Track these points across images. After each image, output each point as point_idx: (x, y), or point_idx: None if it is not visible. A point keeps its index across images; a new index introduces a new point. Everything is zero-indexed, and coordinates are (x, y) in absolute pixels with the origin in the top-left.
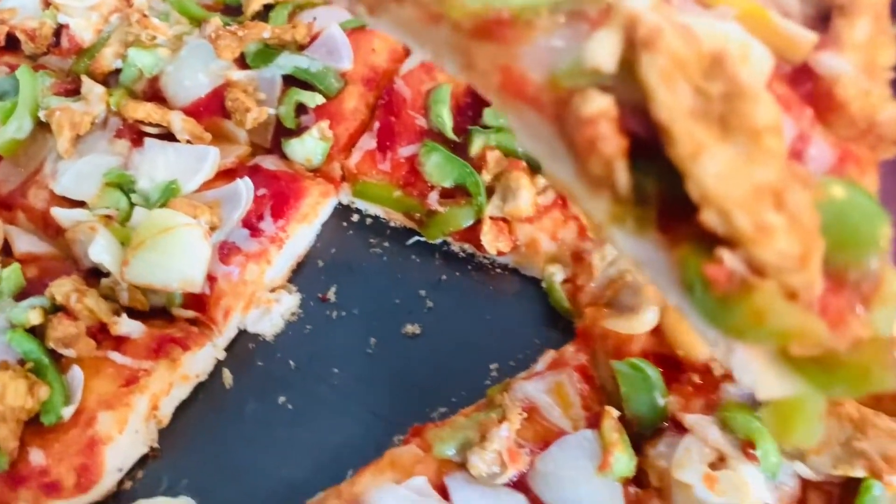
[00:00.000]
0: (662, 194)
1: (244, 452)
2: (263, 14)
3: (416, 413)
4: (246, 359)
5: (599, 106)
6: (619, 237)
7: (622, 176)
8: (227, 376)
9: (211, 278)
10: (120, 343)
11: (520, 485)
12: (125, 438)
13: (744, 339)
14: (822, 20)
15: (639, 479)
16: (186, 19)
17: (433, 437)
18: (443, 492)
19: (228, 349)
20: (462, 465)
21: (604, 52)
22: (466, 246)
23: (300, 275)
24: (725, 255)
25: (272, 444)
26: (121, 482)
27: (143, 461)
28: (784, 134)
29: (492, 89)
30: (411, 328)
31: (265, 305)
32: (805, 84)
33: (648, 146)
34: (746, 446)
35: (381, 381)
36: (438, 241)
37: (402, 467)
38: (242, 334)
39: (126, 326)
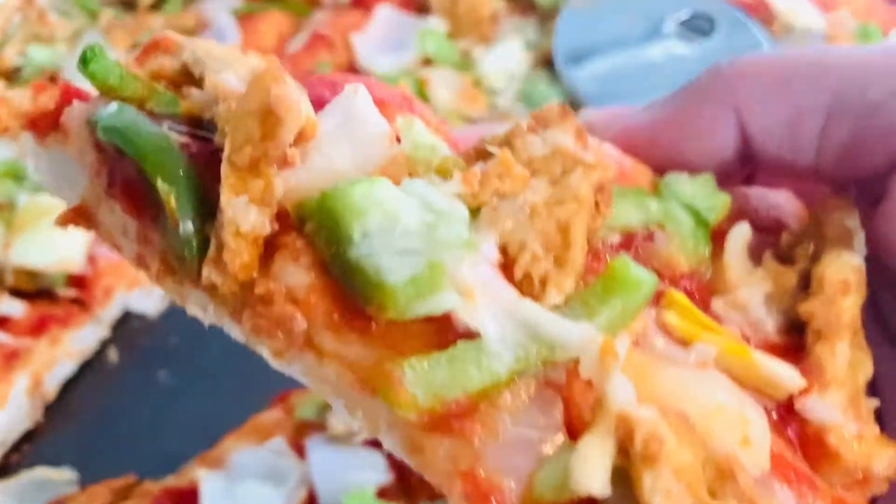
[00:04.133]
0: None
1: (125, 425)
2: (157, 5)
3: (290, 382)
4: (131, 337)
5: None
6: None
7: None
8: (113, 353)
9: (92, 259)
10: (2, 323)
11: (377, 443)
12: (6, 413)
13: None
14: (795, 330)
15: None
16: (84, 13)
17: (296, 400)
18: (302, 453)
19: (115, 328)
20: (322, 427)
21: (595, 472)
22: None
23: None
24: None
25: (152, 416)
26: (6, 456)
27: (29, 436)
28: None
29: (455, 495)
30: None
31: (149, 285)
32: (790, 424)
33: None
34: None
35: (256, 356)
36: None
37: (263, 430)
38: (129, 314)
39: (8, 307)
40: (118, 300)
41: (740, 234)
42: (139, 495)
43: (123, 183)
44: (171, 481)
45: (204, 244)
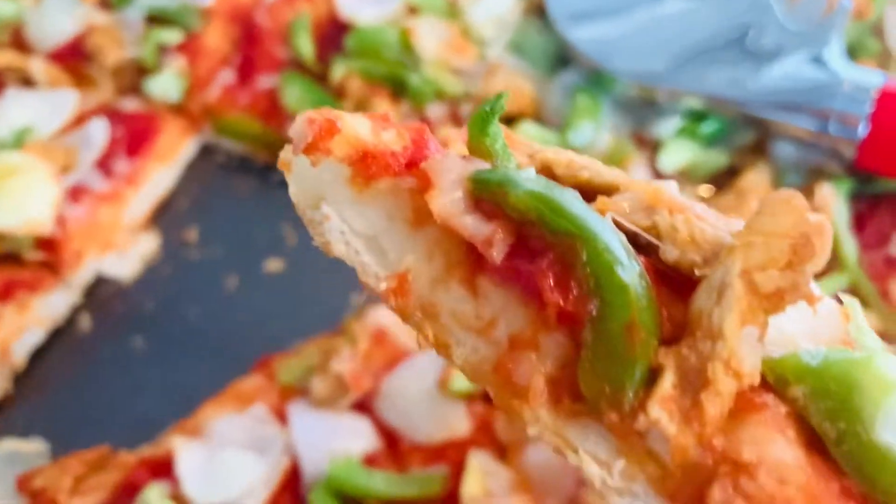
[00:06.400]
0: None
1: (98, 394)
2: None
3: (272, 348)
4: (104, 303)
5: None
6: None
7: None
8: (85, 320)
9: (62, 221)
10: None
11: (365, 408)
12: None
13: None
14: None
15: (487, 397)
16: None
17: (278, 366)
18: (285, 419)
19: (87, 294)
20: (306, 392)
21: None
22: None
23: (161, 217)
24: None
25: (126, 385)
26: None
27: None
28: None
29: None
30: (274, 265)
31: (123, 248)
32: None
33: None
34: None
35: (238, 320)
36: None
37: (244, 397)
38: (102, 279)
39: None
40: (90, 264)
41: None
42: (114, 466)
43: (531, 265)
44: (148, 451)
45: (647, 379)
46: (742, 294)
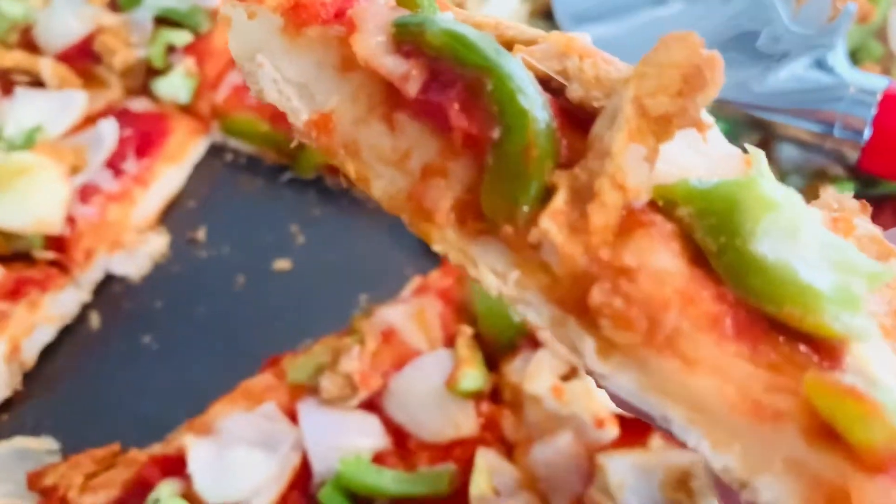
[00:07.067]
0: None
1: (108, 392)
2: None
3: (280, 347)
4: (113, 301)
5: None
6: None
7: None
8: (94, 318)
9: (71, 220)
10: None
11: (373, 406)
12: None
13: None
14: None
15: (494, 396)
16: None
17: (288, 365)
18: (295, 418)
19: (97, 292)
20: (315, 391)
21: None
22: (341, 180)
23: (170, 216)
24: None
25: (135, 382)
26: None
27: (7, 404)
28: None
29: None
30: (282, 264)
31: (132, 247)
32: None
33: None
34: None
35: (246, 318)
36: (313, 176)
37: (254, 396)
38: (112, 278)
39: None
40: (99, 262)
41: None
42: (124, 464)
43: (440, 95)
44: (158, 449)
45: (542, 196)
46: (632, 116)
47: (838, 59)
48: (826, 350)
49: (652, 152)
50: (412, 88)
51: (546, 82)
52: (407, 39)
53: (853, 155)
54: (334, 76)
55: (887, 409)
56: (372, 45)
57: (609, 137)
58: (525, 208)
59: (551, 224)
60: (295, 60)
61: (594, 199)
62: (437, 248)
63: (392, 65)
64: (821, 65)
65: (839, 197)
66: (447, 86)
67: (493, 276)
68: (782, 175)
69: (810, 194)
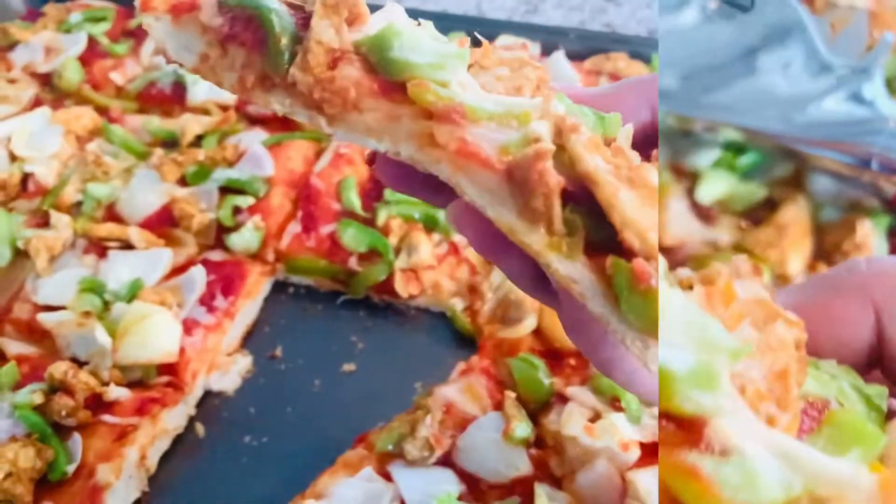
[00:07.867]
0: (588, 233)
1: (218, 486)
2: (197, 142)
3: (359, 430)
4: (213, 412)
5: (546, 146)
6: (555, 261)
7: (558, 209)
8: (199, 428)
9: (181, 349)
10: (110, 407)
11: (447, 462)
12: (121, 484)
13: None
14: None
15: (538, 443)
16: (133, 155)
17: (375, 439)
18: (388, 478)
19: (198, 406)
20: (400, 455)
21: (543, 130)
22: (385, 296)
23: (251, 340)
24: (642, 261)
25: (241, 475)
26: None
27: None
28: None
29: (446, 158)
30: (348, 367)
31: (225, 367)
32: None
33: (576, 200)
34: (614, 401)
35: (328, 411)
36: (362, 296)
37: (352, 466)
38: (209, 393)
39: (116, 392)
40: (200, 382)
41: None
42: None
43: (240, 29)
44: None
45: (292, 60)
46: (319, 6)
47: (876, 90)
48: (686, 425)
49: (338, 24)
50: (224, 29)
51: (300, 8)
52: (224, 5)
53: (890, 189)
54: (198, 36)
55: (725, 486)
56: (208, 14)
57: (314, 22)
58: (285, 67)
59: (296, 71)
60: (181, 39)
61: (308, 52)
62: (276, 107)
63: (217, 21)
64: (857, 97)
65: (734, 262)
66: (245, 21)
67: (279, 106)
68: (817, 207)
69: (846, 227)
